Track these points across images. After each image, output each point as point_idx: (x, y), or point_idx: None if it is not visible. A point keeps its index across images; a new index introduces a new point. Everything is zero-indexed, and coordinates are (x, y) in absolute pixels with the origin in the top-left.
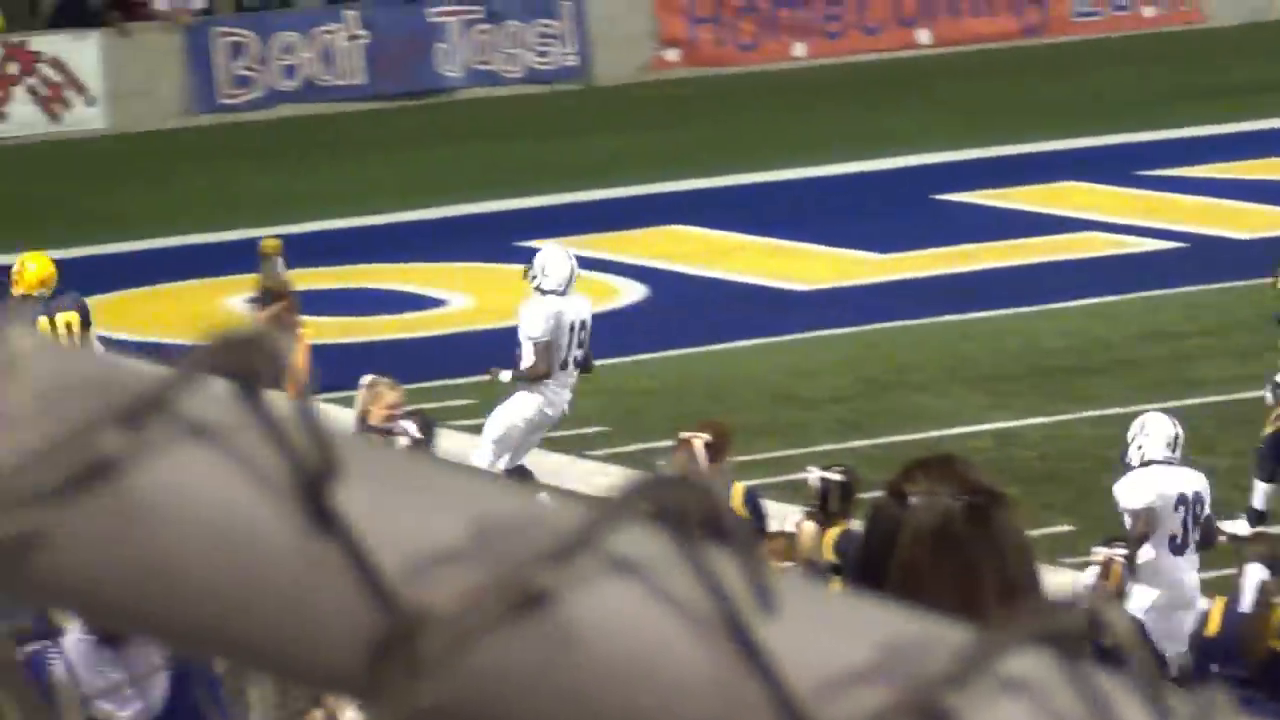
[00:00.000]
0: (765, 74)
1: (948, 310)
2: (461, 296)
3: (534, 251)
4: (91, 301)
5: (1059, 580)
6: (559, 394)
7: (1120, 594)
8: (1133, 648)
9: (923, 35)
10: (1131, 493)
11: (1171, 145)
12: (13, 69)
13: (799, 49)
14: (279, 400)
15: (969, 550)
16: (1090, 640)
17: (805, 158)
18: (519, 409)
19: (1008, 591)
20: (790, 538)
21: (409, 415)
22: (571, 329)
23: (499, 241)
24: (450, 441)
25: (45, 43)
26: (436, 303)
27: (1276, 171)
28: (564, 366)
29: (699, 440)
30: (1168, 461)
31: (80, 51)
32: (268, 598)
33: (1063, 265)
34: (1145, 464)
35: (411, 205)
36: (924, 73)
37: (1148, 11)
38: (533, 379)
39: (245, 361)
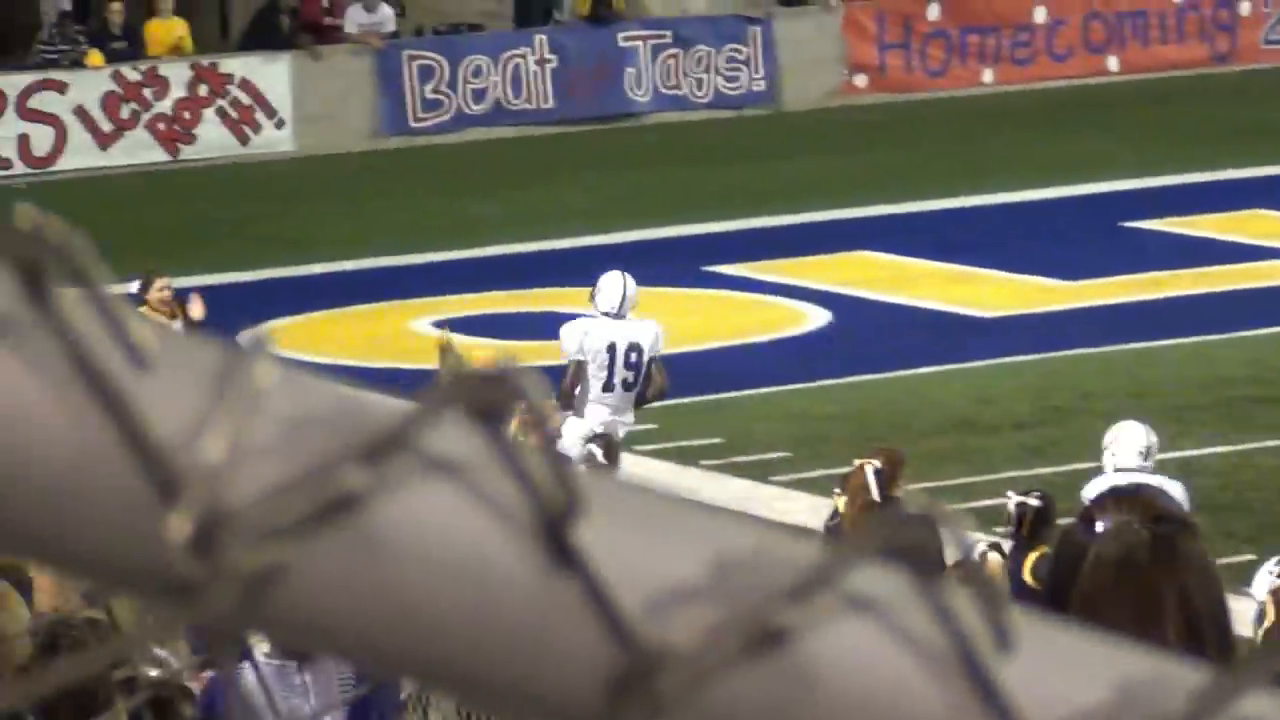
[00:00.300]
0: (954, 99)
1: (1133, 338)
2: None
3: (721, 277)
4: (277, 323)
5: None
6: (596, 416)
7: None
8: None
9: (1112, 62)
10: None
11: None
12: (203, 91)
13: (988, 75)
14: (518, 437)
15: (1151, 579)
16: None
17: (993, 184)
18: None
19: (1190, 621)
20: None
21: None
22: (611, 350)
23: (686, 266)
24: (633, 466)
25: (236, 65)
26: None
27: None
28: (608, 389)
29: (870, 466)
30: (1139, 469)
31: (270, 74)
32: (507, 634)
33: (1249, 294)
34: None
35: (598, 229)
36: (1113, 99)
37: None
38: (560, 397)
39: (487, 398)
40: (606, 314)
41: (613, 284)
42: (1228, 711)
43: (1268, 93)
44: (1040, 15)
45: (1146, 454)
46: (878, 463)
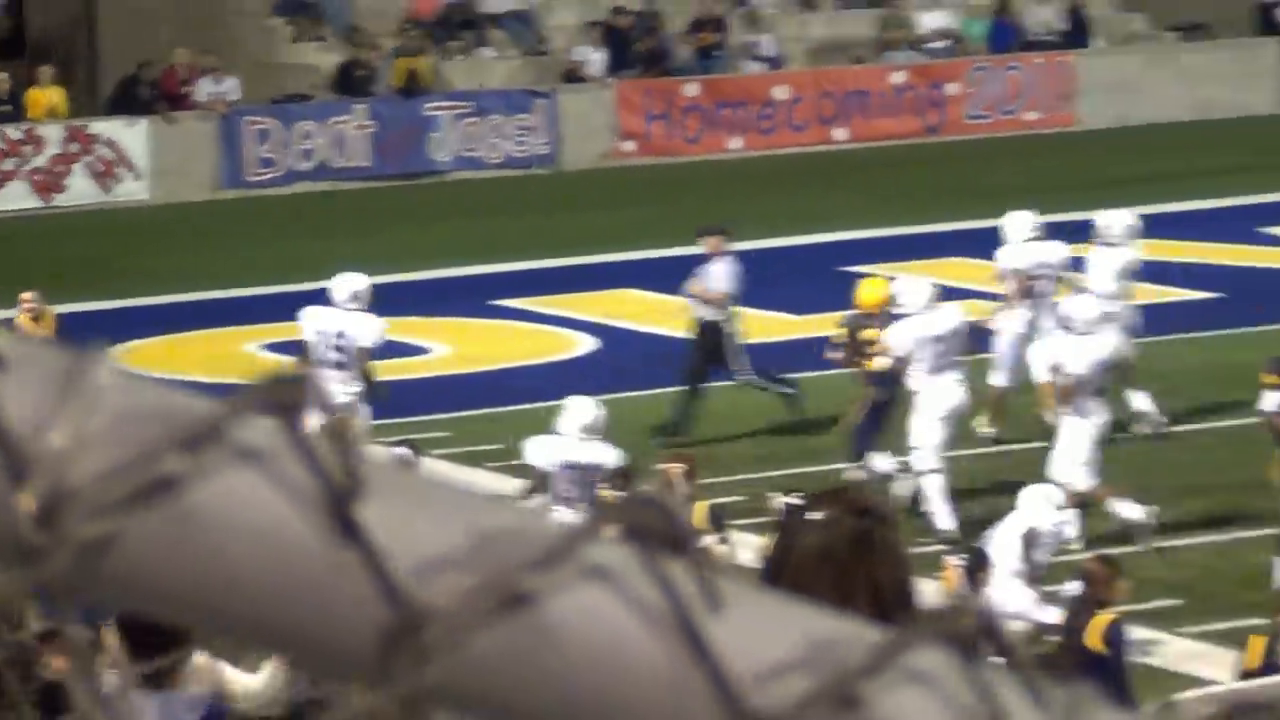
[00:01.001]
0: (707, 163)
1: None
2: (442, 346)
3: (507, 309)
4: (132, 345)
5: (930, 587)
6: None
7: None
8: (1015, 646)
9: (840, 133)
10: (531, 453)
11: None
12: (74, 148)
13: (736, 142)
14: (314, 431)
15: (847, 564)
16: (980, 639)
17: (739, 234)
18: None
19: (878, 600)
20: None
21: (401, 443)
22: (321, 334)
23: (477, 300)
24: (432, 465)
25: (102, 127)
26: (421, 350)
27: (1151, 251)
28: (324, 364)
29: (677, 469)
30: (579, 440)
31: (131, 134)
32: (298, 594)
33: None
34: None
35: (405, 268)
36: (840, 164)
37: (1029, 115)
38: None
39: (287, 397)
40: (334, 305)
41: (336, 281)
42: (899, 664)
43: (970, 159)
44: (781, 93)
45: (588, 428)
46: (682, 465)
